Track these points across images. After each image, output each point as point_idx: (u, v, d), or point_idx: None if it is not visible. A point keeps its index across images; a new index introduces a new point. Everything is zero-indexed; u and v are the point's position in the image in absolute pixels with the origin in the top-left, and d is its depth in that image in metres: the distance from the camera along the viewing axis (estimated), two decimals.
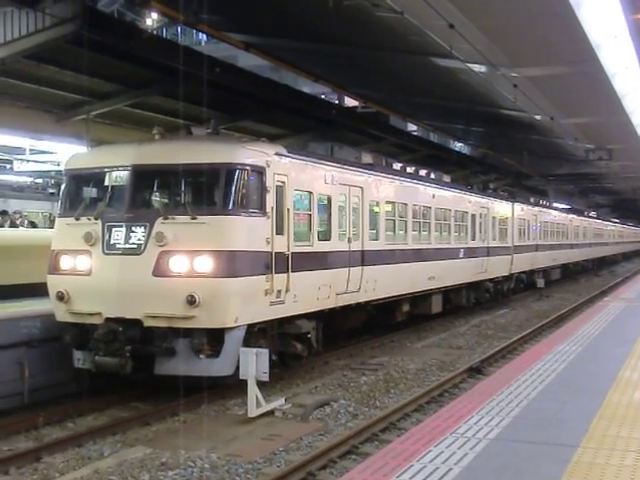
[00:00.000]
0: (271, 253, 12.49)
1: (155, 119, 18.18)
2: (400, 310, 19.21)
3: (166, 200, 12.33)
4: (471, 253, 24.02)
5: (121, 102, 17.83)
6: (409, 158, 27.71)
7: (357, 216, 16.20)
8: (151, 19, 20.94)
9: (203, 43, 37.06)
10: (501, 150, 34.09)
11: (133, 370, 11.64)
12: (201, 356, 11.64)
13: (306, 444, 10.30)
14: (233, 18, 18.54)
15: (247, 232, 12.10)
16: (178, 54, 17.03)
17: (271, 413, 11.64)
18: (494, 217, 26.94)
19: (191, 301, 11.33)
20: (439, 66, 20.20)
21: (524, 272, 31.57)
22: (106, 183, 12.60)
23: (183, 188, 12.20)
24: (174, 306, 11.43)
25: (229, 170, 12.01)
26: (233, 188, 11.97)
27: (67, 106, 17.69)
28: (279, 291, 12.75)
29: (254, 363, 11.27)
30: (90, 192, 13.03)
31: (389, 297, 17.82)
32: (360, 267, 16.04)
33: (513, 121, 27.64)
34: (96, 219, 12.19)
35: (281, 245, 12.82)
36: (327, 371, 15.37)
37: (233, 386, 12.45)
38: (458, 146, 41.57)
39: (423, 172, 21.50)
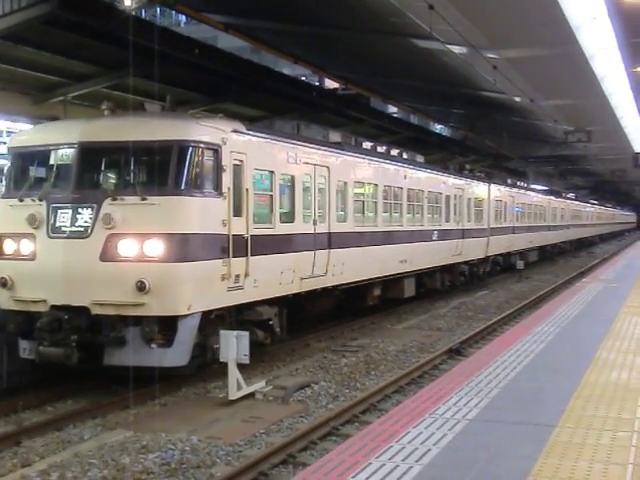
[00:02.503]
0: (228, 236, 11.91)
1: (134, 101, 18.03)
2: (371, 294, 18.77)
3: (115, 180, 11.72)
4: (445, 235, 23.52)
5: (99, 84, 17.64)
6: (389, 140, 27.67)
7: (323, 197, 15.59)
8: (130, 0, 20.65)
9: (182, 24, 36.77)
10: (481, 132, 34.14)
11: (80, 361, 11.08)
12: (152, 346, 11.06)
13: (286, 426, 10.34)
14: None
15: (201, 214, 11.54)
16: (155, 35, 16.89)
17: (252, 395, 11.67)
18: (469, 199, 26.47)
19: (141, 287, 10.78)
20: (419, 47, 20.17)
21: (501, 254, 31.27)
22: (51, 162, 12.00)
23: (132, 167, 11.57)
24: (123, 293, 10.87)
25: (181, 147, 11.38)
26: (186, 167, 11.35)
27: (44, 88, 17.48)
28: (237, 276, 12.18)
29: (234, 345, 11.28)
30: (35, 172, 12.32)
31: (358, 281, 17.31)
32: (327, 250, 15.52)
33: (493, 103, 27.70)
34: (40, 200, 11.52)
35: (239, 227, 12.25)
36: (308, 353, 15.41)
37: (214, 369, 12.46)
38: (438, 128, 41.62)
39: (395, 152, 21.04)
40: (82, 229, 11.13)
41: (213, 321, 12.04)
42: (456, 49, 19.69)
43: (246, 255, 12.39)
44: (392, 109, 35.36)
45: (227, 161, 11.98)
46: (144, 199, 11.07)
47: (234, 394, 11.35)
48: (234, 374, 11.35)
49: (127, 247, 10.98)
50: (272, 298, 13.52)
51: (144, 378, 11.12)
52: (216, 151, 11.80)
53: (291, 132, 15.76)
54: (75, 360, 10.96)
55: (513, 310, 21.50)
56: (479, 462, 6.04)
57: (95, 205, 11.14)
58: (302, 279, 14.49)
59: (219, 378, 12.26)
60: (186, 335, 11.28)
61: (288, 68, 28.34)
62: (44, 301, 11.21)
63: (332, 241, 15.74)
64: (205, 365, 12.49)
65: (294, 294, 14.36)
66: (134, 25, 16.47)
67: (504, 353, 10.67)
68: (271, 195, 13.56)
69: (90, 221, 11.09)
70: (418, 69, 23.06)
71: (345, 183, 16.72)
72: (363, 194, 17.91)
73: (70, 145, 11.70)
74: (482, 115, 30.88)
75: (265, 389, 11.98)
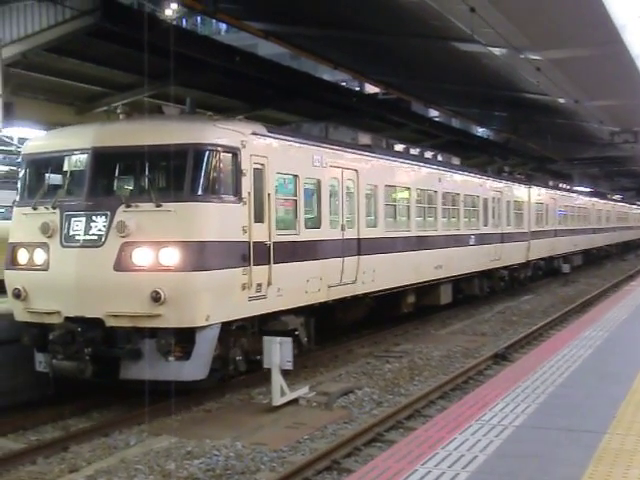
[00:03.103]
0: (249, 243, 11.40)
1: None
2: (405, 302, 18.13)
3: (129, 186, 11.36)
4: (483, 240, 22.80)
5: (142, 93, 17.83)
6: (431, 144, 27.51)
7: (352, 202, 15.03)
8: (170, 9, 20.87)
9: (223, 32, 37.04)
10: (524, 134, 33.77)
11: (95, 375, 10.70)
12: (170, 358, 10.56)
13: (331, 432, 10.29)
14: (252, 6, 18.48)
15: (219, 220, 11.04)
16: (197, 44, 17.05)
17: (295, 401, 11.64)
18: (508, 202, 25.69)
19: (156, 298, 10.32)
20: (460, 50, 20.03)
21: (543, 259, 30.36)
22: (65, 168, 11.59)
23: (147, 172, 10.99)
24: (138, 304, 10.42)
25: (197, 151, 10.89)
26: (202, 171, 10.87)
27: (87, 98, 17.73)
28: (259, 285, 11.68)
29: (278, 352, 11.26)
30: (49, 179, 11.85)
31: (390, 288, 16.65)
32: (356, 257, 14.93)
33: (536, 105, 27.37)
34: (54, 208, 11.14)
35: (261, 234, 11.75)
36: (351, 359, 15.35)
37: (257, 375, 12.47)
38: (480, 131, 41.27)
39: (429, 155, 20.42)
40: (96, 237, 10.74)
41: (234, 332, 11.60)
42: (498, 51, 19.51)
43: (269, 263, 11.92)
44: (433, 113, 35.16)
45: (247, 165, 11.51)
46: (159, 206, 10.65)
47: (278, 400, 11.33)
48: (278, 380, 11.33)
49: (142, 256, 10.55)
50: (298, 307, 13.00)
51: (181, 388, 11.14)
52: (235, 155, 11.33)
53: (319, 135, 15.32)
54: (89, 374, 10.61)
55: (559, 314, 21.18)
56: (528, 469, 5.93)
57: (109, 212, 10.75)
58: (330, 287, 13.95)
59: (263, 384, 12.26)
60: (205, 347, 10.82)
61: (328, 74, 28.34)
62: (58, 313, 10.85)
63: (362, 247, 15.19)
64: (227, 377, 12.18)
65: (321, 303, 13.79)
66: (175, 34, 16.66)
67: (551, 358, 10.49)
68: (295, 200, 13.06)
69: (104, 229, 10.71)
70: (459, 72, 22.89)
71: (375, 187, 16.15)
72: (395, 198, 17.37)
73: (83, 150, 11.28)
74: (525, 117, 30.54)
75: (309, 395, 11.94)
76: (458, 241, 20.88)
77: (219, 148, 11.10)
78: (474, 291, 22.98)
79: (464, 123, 37.50)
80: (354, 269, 14.83)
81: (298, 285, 12.91)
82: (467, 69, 22.34)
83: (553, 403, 7.99)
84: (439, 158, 21.09)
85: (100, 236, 10.70)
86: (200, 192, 10.83)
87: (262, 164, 11.93)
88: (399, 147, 18.75)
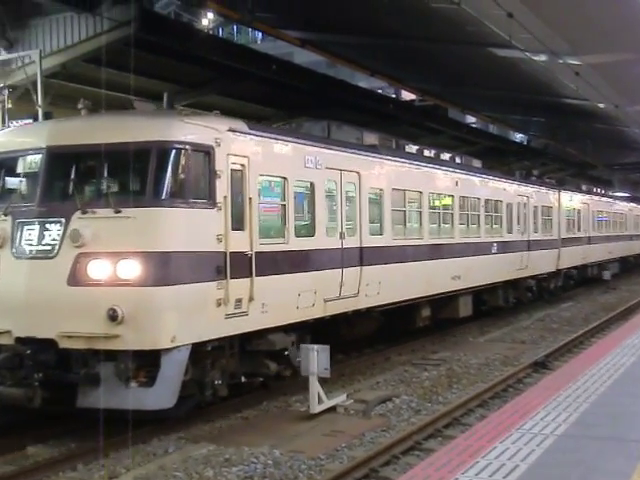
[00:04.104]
0: (225, 253, 10.15)
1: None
2: (419, 315, 16.70)
3: (86, 190, 10.02)
4: (507, 248, 21.13)
5: (179, 102, 18.01)
6: (467, 150, 27.36)
7: (352, 207, 13.68)
8: (207, 19, 21.09)
9: (259, 41, 37.27)
10: (563, 140, 33.43)
11: (47, 402, 9.44)
12: (133, 384, 9.34)
13: (368, 440, 10.21)
14: (288, 15, 18.58)
15: (187, 228, 9.80)
16: (234, 53, 17.19)
17: (333, 409, 11.57)
18: (536, 207, 24.04)
19: (113, 316, 9.17)
20: (498, 56, 19.92)
21: (575, 267, 28.70)
22: (19, 170, 10.47)
23: (106, 174, 9.77)
24: (93, 323, 9.26)
25: (161, 150, 9.68)
26: (167, 173, 9.64)
27: (125, 108, 17.92)
28: (239, 300, 10.43)
29: (315, 360, 11.22)
30: (2, 182, 10.70)
31: (400, 302, 15.20)
32: (358, 267, 13.59)
33: (575, 110, 27.09)
34: (6, 215, 9.99)
35: (240, 243, 10.50)
36: (388, 367, 15.25)
37: (295, 382, 12.45)
38: (518, 137, 40.96)
39: (447, 157, 19.03)
40: (49, 248, 9.60)
41: (210, 354, 10.37)
42: (536, 56, 19.36)
43: (250, 275, 10.66)
44: (470, 119, 35.00)
45: (222, 166, 10.23)
46: (118, 212, 9.45)
47: (315, 408, 11.28)
48: (315, 388, 11.28)
49: (98, 269, 9.39)
50: (288, 324, 11.75)
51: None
52: (207, 154, 10.06)
53: (320, 134, 14.10)
54: (38, 402, 9.32)
55: (601, 322, 20.84)
56: (570, 479, 5.82)
57: (63, 220, 9.59)
58: (327, 301, 12.62)
59: (300, 392, 12.23)
60: (171, 372, 9.55)
61: (364, 81, 28.33)
62: (8, 332, 9.62)
63: (364, 257, 13.79)
64: (205, 404, 10.91)
65: (316, 319, 12.49)
66: (212, 44, 16.84)
67: (593, 367, 10.32)
68: (284, 205, 11.78)
69: (58, 238, 9.57)
70: (497, 78, 22.76)
71: (381, 191, 14.74)
72: (404, 203, 15.82)
73: (37, 150, 10.15)
74: (564, 123, 30.27)
75: (346, 403, 11.88)
76: (478, 249, 19.33)
77: (187, 146, 9.86)
78: (498, 303, 21.42)
79: (502, 129, 37.24)
80: (356, 281, 13.52)
81: (287, 300, 11.63)
82: (505, 75, 22.20)
83: (595, 412, 7.85)
84: (457, 160, 19.77)
85: (53, 246, 9.59)
86: (164, 196, 9.60)
87: (242, 165, 10.68)
88: (412, 148, 17.41)
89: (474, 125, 34.29)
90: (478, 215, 19.62)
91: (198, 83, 17.81)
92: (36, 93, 14.44)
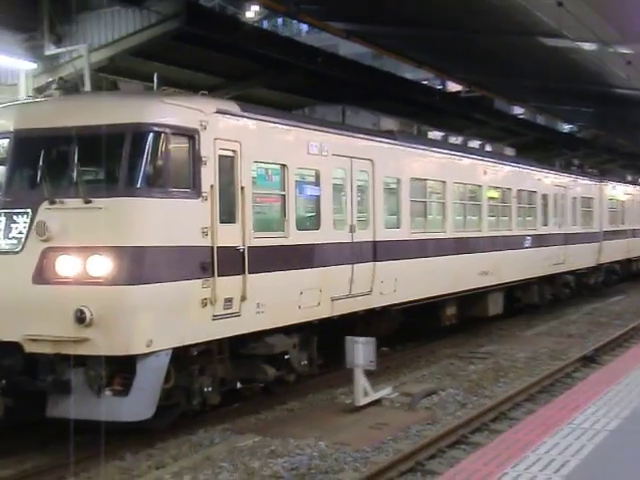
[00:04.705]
0: (211, 248, 9.27)
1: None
2: (444, 313, 15.81)
3: (54, 177, 9.02)
4: (542, 241, 20.00)
5: (224, 95, 18.06)
6: (514, 142, 27.00)
7: (365, 198, 12.76)
8: (252, 11, 21.11)
9: (303, 33, 37.26)
10: (613, 130, 32.80)
11: (11, 412, 8.63)
12: (107, 393, 8.50)
13: (414, 433, 10.16)
14: (333, 7, 18.50)
15: (166, 220, 8.89)
16: (280, 45, 17.19)
17: (378, 402, 11.55)
18: (574, 198, 22.92)
19: (80, 318, 8.32)
20: (546, 46, 19.60)
21: (618, 262, 27.34)
22: None
23: (76, 160, 8.82)
24: (61, 325, 8.43)
25: (136, 133, 8.80)
26: (143, 159, 8.75)
27: None
28: (229, 300, 9.55)
29: (361, 353, 11.18)
30: None
31: (419, 300, 14.24)
32: (371, 263, 12.68)
33: (626, 99, 26.54)
34: None
35: (231, 237, 9.61)
36: (434, 360, 15.16)
37: (340, 375, 12.42)
38: (566, 128, 40.35)
39: (476, 144, 18.12)
40: (15, 242, 8.77)
41: (197, 359, 9.52)
42: (586, 45, 19.01)
43: (242, 273, 9.77)
44: (517, 110, 34.56)
45: (209, 151, 9.32)
46: (88, 202, 8.59)
47: (361, 401, 11.26)
48: (360, 381, 11.26)
49: (65, 265, 8.57)
50: (289, 325, 10.90)
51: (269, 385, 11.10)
52: (191, 138, 9.15)
53: (335, 119, 13.45)
54: (1, 412, 8.52)
55: None
56: (623, 475, 5.70)
57: (30, 211, 8.77)
58: (334, 300, 11.74)
59: (345, 384, 12.21)
60: (148, 380, 8.69)
61: (410, 73, 28.15)
62: None
63: (378, 252, 12.86)
64: (193, 413, 10.00)
65: (322, 319, 11.60)
66: (258, 36, 16.84)
67: None
68: (283, 195, 10.85)
69: (24, 231, 8.75)
70: (545, 68, 22.39)
71: (398, 180, 13.77)
72: (424, 193, 14.81)
73: (5, 134, 9.30)
74: (614, 113, 29.66)
75: (391, 395, 11.84)
76: (509, 243, 18.21)
77: (166, 130, 8.92)
78: (533, 300, 20.42)
79: (549, 120, 36.70)
80: (368, 278, 12.61)
81: (287, 299, 10.73)
82: (553, 64, 21.84)
83: None
84: (487, 148, 18.70)
85: (19, 240, 8.77)
86: (139, 184, 8.71)
87: (233, 150, 9.77)
88: (435, 135, 16.27)
89: (521, 116, 33.86)
90: (509, 207, 18.55)
91: (243, 76, 17.84)
92: (84, 87, 14.61)
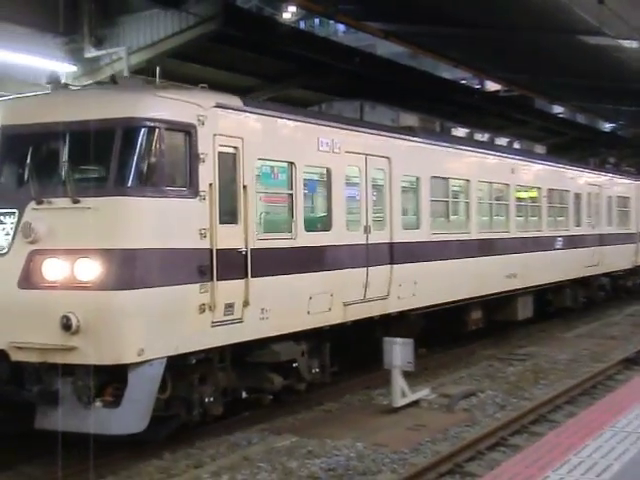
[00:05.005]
0: (210, 251, 8.77)
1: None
2: (469, 318, 15.11)
3: (42, 176, 8.60)
4: (575, 242, 19.37)
5: (262, 96, 18.13)
6: (554, 142, 26.69)
7: (381, 197, 12.25)
8: (289, 12, 21.15)
9: (340, 33, 37.25)
10: None
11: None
12: (97, 404, 8.04)
13: (452, 435, 10.07)
14: (371, 7, 18.46)
15: (159, 221, 8.39)
16: (318, 46, 17.20)
17: (416, 403, 11.47)
18: (610, 197, 22.18)
19: (66, 325, 7.89)
20: (588, 44, 19.36)
21: None
22: None
23: (65, 157, 8.41)
24: (47, 332, 8.02)
25: (128, 129, 8.33)
26: (135, 156, 8.29)
27: None
28: (230, 305, 9.05)
29: (399, 353, 11.11)
30: None
31: (441, 304, 13.66)
32: (388, 266, 12.15)
33: None
34: None
35: (231, 239, 9.10)
36: (473, 361, 15.04)
37: (377, 375, 12.37)
38: (607, 127, 39.79)
39: (503, 141, 17.56)
40: (2, 244, 8.39)
41: (196, 367, 9.01)
42: (627, 43, 18.72)
43: (245, 276, 9.26)
44: (558, 109, 34.16)
45: (207, 148, 8.83)
46: (77, 201, 8.15)
47: (398, 401, 11.20)
48: (398, 382, 11.20)
49: (52, 269, 8.15)
50: (298, 332, 10.37)
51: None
52: (187, 133, 8.66)
53: (352, 115, 13.04)
54: None
55: None
56: None
57: (17, 211, 8.36)
58: (347, 305, 11.21)
59: (383, 385, 12.15)
60: (141, 390, 8.19)
61: (448, 72, 27.99)
62: None
63: (396, 254, 12.32)
64: (193, 425, 9.43)
65: (336, 325, 11.11)
66: (296, 37, 16.86)
67: None
68: (290, 194, 10.32)
69: (11, 233, 8.34)
70: (586, 66, 22.13)
71: (417, 179, 13.22)
72: (446, 193, 14.22)
73: None
74: None
75: (430, 397, 11.76)
76: (539, 245, 17.57)
77: (160, 125, 8.45)
78: (565, 303, 19.63)
79: (590, 119, 36.23)
80: (385, 281, 12.09)
81: (294, 304, 10.21)
82: (594, 63, 21.57)
83: None
84: (516, 146, 18.12)
85: (6, 242, 8.35)
86: (130, 183, 8.25)
87: (234, 147, 9.28)
88: (459, 131, 15.68)
89: (562, 115, 33.46)
90: (539, 206, 17.92)
91: (280, 77, 17.87)
92: None
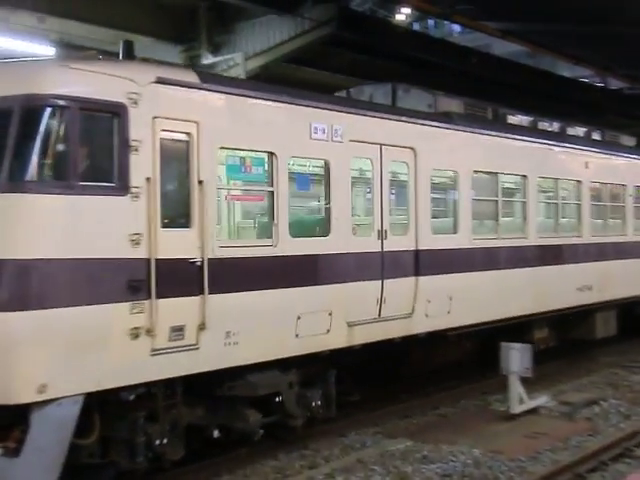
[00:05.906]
0: (147, 261, 7.17)
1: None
2: (532, 336, 13.02)
3: None
4: None
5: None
6: None
7: (402, 196, 10.49)
8: (402, 14, 21.07)
9: (455, 34, 36.79)
10: None
11: None
12: None
13: (574, 444, 9.74)
14: (488, 6, 18.15)
15: (69, 224, 6.73)
16: (434, 47, 17.08)
17: (534, 410, 11.18)
18: None
19: None
20: None
21: None
22: None
23: None
24: None
25: (28, 108, 6.72)
26: (36, 142, 6.67)
27: None
28: (178, 329, 7.44)
29: (517, 359, 10.84)
30: None
31: (485, 322, 11.69)
32: (412, 277, 10.35)
33: None
34: None
35: (180, 247, 7.50)
36: (594, 368, 14.53)
37: (494, 382, 12.11)
38: None
39: (579, 131, 15.41)
40: None
41: (138, 404, 7.47)
42: None
43: (201, 292, 7.64)
44: None
45: (144, 134, 7.20)
46: None
47: (516, 408, 10.93)
48: (516, 388, 10.93)
49: None
50: (282, 359, 8.64)
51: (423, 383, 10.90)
52: (114, 115, 7.03)
53: (384, 100, 11.50)
54: None
55: None
56: None
57: None
58: (352, 326, 9.45)
59: (499, 391, 11.89)
60: (46, 436, 6.61)
61: (567, 70, 27.19)
62: None
63: (422, 263, 10.46)
64: (162, 469, 7.93)
65: (337, 349, 9.34)
66: (411, 39, 16.80)
67: None
68: (271, 192, 8.57)
69: None
70: None
71: (455, 174, 11.32)
72: (495, 190, 12.22)
73: None
74: None
75: (549, 404, 11.43)
76: (623, 251, 15.38)
77: (72, 104, 6.79)
78: None
79: None
80: (408, 297, 10.31)
81: (275, 326, 8.47)
82: None
83: None
84: (595, 137, 15.92)
85: None
86: (29, 176, 6.64)
87: (186, 133, 7.65)
88: (519, 119, 13.60)
89: None
90: (623, 207, 15.79)
91: (394, 78, 17.81)
92: None
